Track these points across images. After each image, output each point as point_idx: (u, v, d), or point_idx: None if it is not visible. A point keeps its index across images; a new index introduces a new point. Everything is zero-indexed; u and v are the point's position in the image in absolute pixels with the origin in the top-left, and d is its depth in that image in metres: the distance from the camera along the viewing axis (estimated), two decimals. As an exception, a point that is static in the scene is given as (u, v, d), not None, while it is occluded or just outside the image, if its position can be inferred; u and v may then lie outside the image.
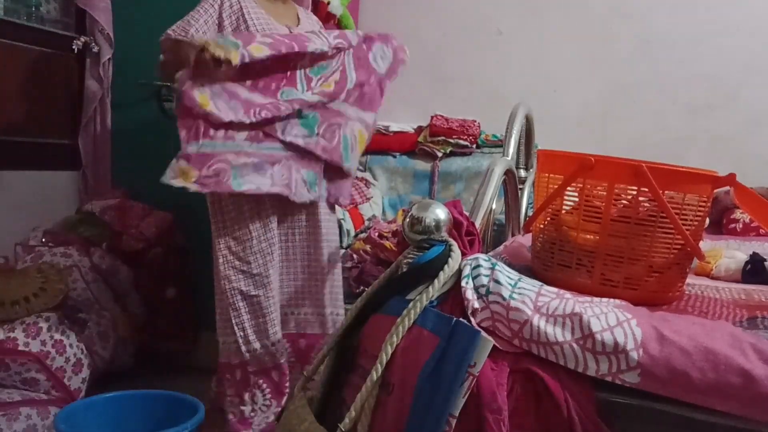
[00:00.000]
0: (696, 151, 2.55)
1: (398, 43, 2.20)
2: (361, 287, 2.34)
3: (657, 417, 0.88)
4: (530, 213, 1.69)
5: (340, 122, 2.04)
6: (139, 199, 3.00)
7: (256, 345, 2.04)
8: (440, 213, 1.08)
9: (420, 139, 2.96)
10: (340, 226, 2.47)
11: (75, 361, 2.29)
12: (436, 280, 1.00)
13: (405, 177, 2.96)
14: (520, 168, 2.21)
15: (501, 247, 1.57)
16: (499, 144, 2.69)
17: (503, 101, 2.12)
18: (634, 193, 1.12)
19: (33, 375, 2.17)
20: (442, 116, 2.91)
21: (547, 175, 1.24)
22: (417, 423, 0.89)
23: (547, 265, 1.23)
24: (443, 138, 2.86)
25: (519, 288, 0.99)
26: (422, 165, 2.95)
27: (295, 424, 1.02)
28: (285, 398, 2.09)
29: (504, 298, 0.96)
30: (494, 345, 0.90)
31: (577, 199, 1.18)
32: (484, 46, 2.94)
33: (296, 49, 1.93)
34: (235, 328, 2.05)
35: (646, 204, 1.13)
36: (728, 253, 1.53)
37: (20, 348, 2.14)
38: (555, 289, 1.02)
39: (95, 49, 3.01)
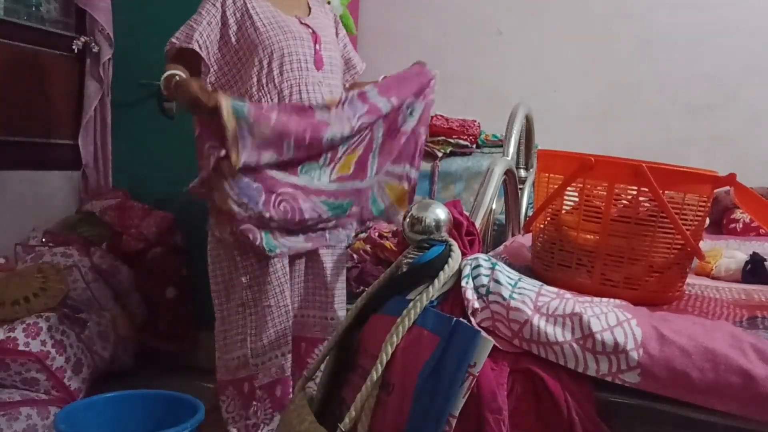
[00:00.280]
0: (696, 151, 2.55)
1: (423, 70, 2.05)
2: (361, 287, 2.34)
3: (657, 417, 0.88)
4: (530, 213, 1.69)
5: (372, 191, 2.01)
6: (139, 199, 3.00)
7: (265, 357, 1.99)
8: (440, 213, 1.08)
9: (420, 138, 2.96)
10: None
11: (75, 361, 2.29)
12: (436, 280, 1.00)
13: (405, 177, 2.96)
14: (520, 168, 2.21)
15: (501, 247, 1.57)
16: (499, 144, 2.69)
17: (503, 101, 2.12)
18: (634, 193, 1.12)
19: (33, 375, 2.17)
20: (442, 116, 2.91)
21: (547, 175, 1.24)
22: (417, 423, 0.89)
23: (547, 265, 1.23)
24: (443, 138, 2.86)
25: (519, 288, 0.99)
26: (422, 165, 2.94)
27: (295, 424, 1.02)
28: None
29: (504, 298, 0.96)
30: (494, 345, 0.90)
31: (577, 199, 1.18)
32: (484, 46, 2.94)
33: (307, 137, 1.81)
34: (246, 341, 1.99)
35: (646, 204, 1.13)
36: (728, 253, 1.53)
37: (20, 348, 2.14)
38: (555, 289, 1.02)
39: (95, 49, 3.01)
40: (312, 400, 1.08)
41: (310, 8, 2.11)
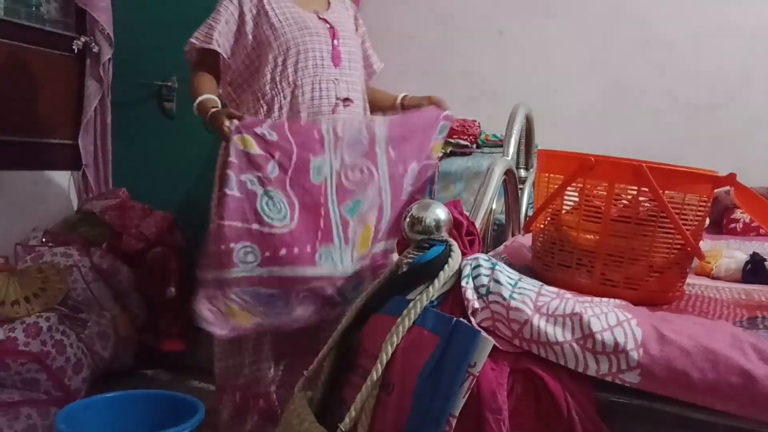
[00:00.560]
0: (696, 151, 2.54)
1: (432, 117, 1.93)
2: (361, 287, 2.34)
3: (657, 417, 0.88)
4: (530, 213, 1.69)
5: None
6: (139, 199, 3.00)
7: (254, 368, 1.96)
8: (440, 213, 1.08)
9: (420, 139, 2.96)
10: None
11: (75, 361, 2.29)
12: (436, 280, 1.00)
13: (405, 177, 2.96)
14: (520, 168, 2.21)
15: (501, 247, 1.57)
16: (499, 144, 2.69)
17: (503, 101, 2.11)
18: (635, 193, 1.12)
19: (33, 375, 2.17)
20: (442, 116, 2.91)
21: (547, 175, 1.24)
22: (417, 423, 0.89)
23: (548, 265, 1.23)
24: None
25: (519, 288, 0.99)
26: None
27: (295, 424, 1.02)
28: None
29: (504, 298, 0.96)
30: (494, 345, 0.90)
31: (577, 199, 1.18)
32: (484, 46, 2.94)
33: (294, 158, 1.73)
34: (240, 350, 1.96)
35: (647, 204, 1.13)
36: (728, 253, 1.52)
37: (20, 348, 2.15)
38: (555, 289, 1.02)
39: (95, 49, 3.01)
40: (312, 400, 1.08)
41: (329, 3, 2.08)
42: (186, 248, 3.02)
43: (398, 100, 2.11)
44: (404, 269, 1.09)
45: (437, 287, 1.00)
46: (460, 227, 1.11)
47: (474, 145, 2.87)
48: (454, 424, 0.87)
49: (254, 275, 1.69)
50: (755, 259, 1.43)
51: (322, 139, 1.79)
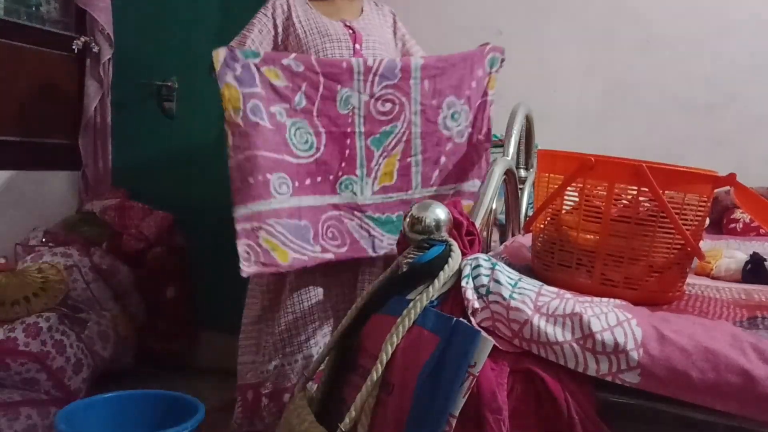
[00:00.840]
0: (696, 151, 2.54)
1: (476, 54, 1.95)
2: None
3: (657, 417, 0.88)
4: (530, 213, 1.69)
5: None
6: (139, 199, 3.00)
7: (270, 365, 1.99)
8: (440, 213, 1.08)
9: (420, 139, 2.96)
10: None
11: (75, 361, 2.29)
12: (436, 280, 1.00)
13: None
14: (520, 168, 2.20)
15: (501, 247, 1.57)
16: (499, 144, 2.68)
17: (503, 101, 2.11)
18: (634, 193, 1.12)
19: (33, 375, 2.17)
20: (442, 116, 2.91)
21: (547, 175, 1.24)
22: (417, 423, 0.89)
23: (547, 265, 1.23)
24: (443, 138, 2.86)
25: (519, 288, 0.99)
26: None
27: (295, 424, 1.02)
28: None
29: (504, 298, 0.96)
30: (494, 345, 0.90)
31: (577, 199, 1.18)
32: (484, 46, 2.94)
33: (321, 88, 1.76)
34: (257, 347, 2.00)
35: (647, 204, 1.13)
36: (728, 253, 1.52)
37: (20, 348, 2.15)
38: (555, 289, 1.02)
39: (95, 49, 3.01)
40: (312, 400, 1.08)
41: (362, 10, 2.15)
42: (186, 248, 3.03)
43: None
44: (404, 269, 1.09)
45: (437, 287, 1.00)
46: (460, 227, 1.11)
47: (474, 145, 2.87)
48: (454, 424, 0.87)
49: (288, 206, 1.73)
50: (755, 259, 1.43)
51: (351, 70, 1.83)
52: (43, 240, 2.71)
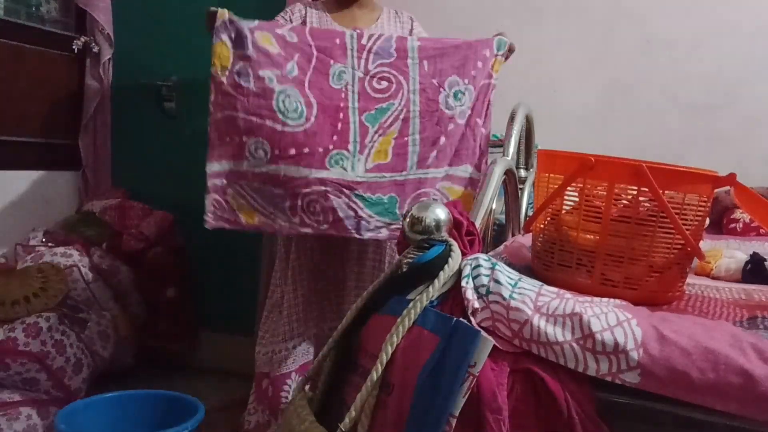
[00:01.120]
0: (696, 151, 2.54)
1: (482, 42, 1.92)
2: (362, 287, 2.34)
3: (657, 417, 0.88)
4: (530, 213, 1.69)
5: (428, 191, 1.84)
6: (139, 199, 3.00)
7: (276, 348, 2.03)
8: (440, 213, 1.08)
9: (420, 139, 2.95)
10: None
11: (75, 361, 2.29)
12: (436, 280, 1.00)
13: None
14: (520, 168, 2.20)
15: (501, 247, 1.56)
16: (499, 144, 2.68)
17: (503, 101, 2.11)
18: (634, 193, 1.12)
19: (33, 375, 2.17)
20: (442, 116, 2.91)
21: (547, 175, 1.24)
22: (417, 423, 0.89)
23: (547, 265, 1.23)
24: (443, 138, 2.86)
25: (519, 288, 0.99)
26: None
27: (295, 424, 1.02)
28: None
29: (504, 298, 0.96)
30: (494, 345, 0.90)
31: (577, 199, 1.18)
32: (484, 46, 2.94)
33: (313, 60, 1.75)
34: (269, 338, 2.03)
35: (647, 204, 1.13)
36: (728, 253, 1.52)
37: (20, 348, 2.15)
38: (555, 289, 1.02)
39: (95, 49, 3.02)
40: (312, 400, 1.08)
41: (378, 18, 2.16)
42: (186, 248, 3.03)
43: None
44: (404, 269, 1.09)
45: (437, 287, 0.99)
46: (460, 227, 1.11)
47: (474, 145, 2.87)
48: (454, 424, 0.86)
49: (263, 171, 1.73)
50: (755, 259, 1.43)
51: (345, 47, 1.81)
52: (43, 240, 2.71)
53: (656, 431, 0.89)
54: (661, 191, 1.09)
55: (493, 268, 1.02)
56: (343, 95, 1.80)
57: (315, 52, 1.79)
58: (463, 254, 1.06)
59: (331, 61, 1.80)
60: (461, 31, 2.96)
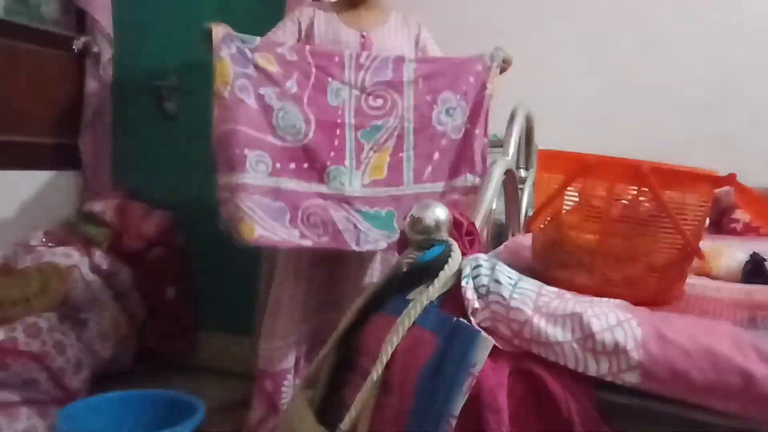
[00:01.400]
0: (696, 151, 2.54)
1: (474, 60, 1.96)
2: (362, 287, 2.34)
3: (657, 417, 0.88)
4: (530, 213, 1.69)
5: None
6: (139, 199, 3.00)
7: (275, 345, 2.04)
8: (440, 213, 1.08)
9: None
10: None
11: (75, 361, 2.29)
12: (436, 280, 1.00)
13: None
14: (520, 168, 2.20)
15: (501, 247, 1.57)
16: (499, 144, 2.69)
17: (503, 101, 2.11)
18: (635, 193, 1.12)
19: (33, 375, 2.17)
20: (442, 116, 2.91)
21: (547, 175, 1.24)
22: (417, 423, 0.89)
23: (547, 265, 1.23)
24: (443, 138, 2.86)
25: (519, 288, 0.99)
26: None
27: (296, 424, 1.02)
28: None
29: (504, 298, 0.96)
30: (494, 345, 0.90)
31: (577, 199, 1.18)
32: (484, 47, 2.93)
33: (312, 77, 1.80)
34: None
35: (647, 204, 1.13)
36: (728, 253, 1.52)
37: (20, 348, 2.14)
38: (555, 289, 1.02)
39: (95, 49, 3.01)
40: (312, 400, 1.08)
41: (386, 22, 2.17)
42: (186, 248, 3.03)
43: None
44: (404, 269, 1.09)
45: (437, 287, 1.00)
46: (460, 227, 1.11)
47: (474, 145, 2.87)
48: (454, 424, 0.87)
49: (264, 184, 1.77)
50: (755, 259, 1.43)
51: (343, 65, 1.87)
52: (43, 240, 2.71)
53: (656, 431, 0.89)
54: (661, 191, 1.09)
55: (493, 268, 1.02)
56: (340, 112, 1.85)
57: (314, 70, 1.85)
58: (463, 254, 1.06)
59: (329, 79, 1.86)
60: (463, 32, 2.97)
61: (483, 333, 0.90)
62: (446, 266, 1.01)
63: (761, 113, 2.58)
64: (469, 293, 0.99)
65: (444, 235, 1.08)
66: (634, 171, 1.10)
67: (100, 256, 2.71)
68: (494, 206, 1.65)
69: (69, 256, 2.59)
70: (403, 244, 1.14)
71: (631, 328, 0.90)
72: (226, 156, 1.77)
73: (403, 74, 1.90)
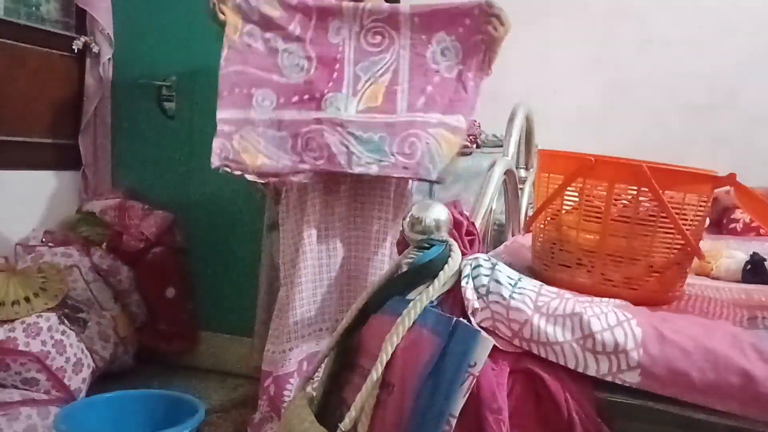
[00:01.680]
0: (696, 151, 2.54)
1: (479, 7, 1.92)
2: (362, 287, 2.34)
3: (657, 417, 0.88)
4: (530, 213, 1.69)
5: (418, 133, 1.91)
6: (139, 199, 3.00)
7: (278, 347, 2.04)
8: (440, 213, 1.08)
9: (420, 139, 2.95)
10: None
11: (75, 361, 2.29)
12: (436, 280, 1.00)
13: (405, 177, 2.95)
14: (520, 168, 2.20)
15: (501, 247, 1.57)
16: (499, 144, 2.68)
17: (503, 101, 2.11)
18: (634, 193, 1.12)
19: (33, 375, 2.17)
20: (442, 116, 2.91)
21: (547, 175, 1.24)
22: (417, 423, 0.89)
23: (547, 265, 1.23)
24: (443, 138, 2.86)
25: (519, 288, 0.99)
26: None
27: (296, 424, 1.02)
28: None
29: (504, 298, 0.96)
30: (494, 345, 0.90)
31: (577, 199, 1.18)
32: (484, 46, 2.94)
33: (313, 18, 1.92)
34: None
35: (646, 204, 1.13)
36: (728, 253, 1.52)
37: (20, 348, 2.15)
38: (555, 289, 1.02)
39: (95, 49, 3.01)
40: (312, 400, 1.08)
41: None
42: (186, 248, 3.03)
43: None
44: (404, 269, 1.09)
45: (437, 287, 0.99)
46: (460, 227, 1.11)
47: (474, 145, 2.87)
48: (454, 424, 0.87)
49: (267, 118, 1.90)
50: (755, 259, 1.43)
51: (341, 4, 1.96)
52: (43, 240, 2.71)
53: (656, 431, 0.89)
54: (661, 191, 1.09)
55: (493, 268, 1.02)
56: (340, 48, 1.95)
57: (315, 11, 1.95)
58: (463, 254, 1.06)
59: (330, 17, 1.95)
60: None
61: (483, 333, 0.90)
62: (446, 266, 1.01)
63: (761, 113, 2.58)
64: (469, 293, 0.99)
65: (444, 235, 1.08)
66: (634, 171, 1.10)
67: (100, 256, 2.71)
68: (494, 206, 1.65)
69: (69, 256, 2.59)
70: (403, 244, 1.14)
71: (631, 328, 0.90)
72: (232, 93, 1.90)
73: (400, 11, 1.97)
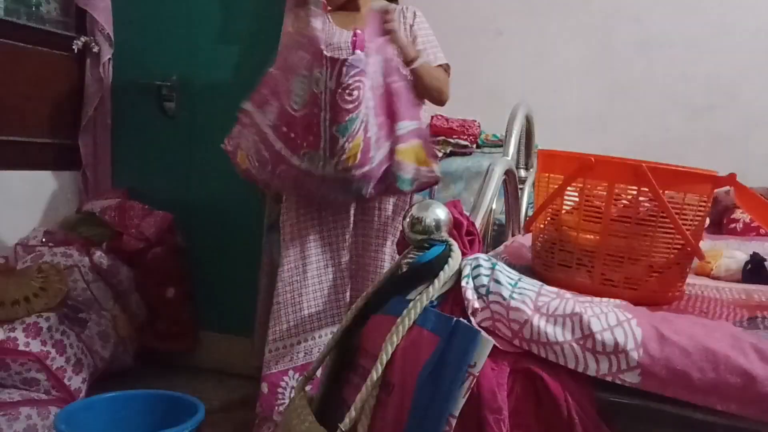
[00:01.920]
0: (696, 151, 2.54)
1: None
2: (362, 287, 2.34)
3: (657, 417, 0.88)
4: (530, 213, 1.69)
5: (390, 161, 1.96)
6: (139, 199, 3.00)
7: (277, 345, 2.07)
8: (440, 213, 1.08)
9: (420, 139, 2.95)
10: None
11: (75, 361, 2.29)
12: (436, 280, 1.00)
13: (405, 177, 2.95)
14: (520, 168, 2.21)
15: (501, 247, 1.57)
16: (499, 144, 2.69)
17: (503, 101, 2.11)
18: (634, 193, 1.12)
19: (33, 375, 2.17)
20: (442, 116, 2.91)
21: (547, 175, 1.24)
22: (417, 423, 0.89)
23: (547, 265, 1.23)
24: (443, 138, 2.86)
25: (519, 288, 0.99)
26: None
27: (296, 424, 1.02)
28: None
29: (504, 298, 0.96)
30: (494, 345, 0.90)
31: (577, 199, 1.18)
32: (484, 46, 2.94)
33: (308, 55, 1.92)
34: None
35: (646, 204, 1.13)
36: (728, 253, 1.52)
37: (20, 348, 2.15)
38: (555, 289, 1.02)
39: (95, 49, 3.01)
40: (312, 400, 1.08)
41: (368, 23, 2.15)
42: (186, 248, 3.03)
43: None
44: (404, 269, 1.09)
45: (437, 287, 0.99)
46: (460, 227, 1.11)
47: (474, 145, 2.87)
48: (454, 424, 0.87)
49: (264, 130, 1.96)
50: (755, 259, 1.43)
51: (323, 55, 1.92)
52: (43, 240, 2.71)
53: (656, 431, 0.89)
54: (661, 191, 1.09)
55: (493, 268, 1.02)
56: (318, 101, 1.89)
57: (308, 55, 1.94)
58: (463, 254, 1.06)
59: (315, 64, 1.90)
60: (462, 32, 2.97)
61: (483, 333, 0.90)
62: (446, 266, 1.01)
63: (761, 113, 2.58)
64: (469, 293, 0.99)
65: (444, 235, 1.08)
66: (634, 171, 1.10)
67: (100, 256, 2.71)
68: (494, 206, 1.65)
69: (69, 256, 2.59)
70: (403, 244, 1.14)
71: (631, 328, 0.90)
72: (261, 93, 1.98)
73: (362, 57, 1.92)
